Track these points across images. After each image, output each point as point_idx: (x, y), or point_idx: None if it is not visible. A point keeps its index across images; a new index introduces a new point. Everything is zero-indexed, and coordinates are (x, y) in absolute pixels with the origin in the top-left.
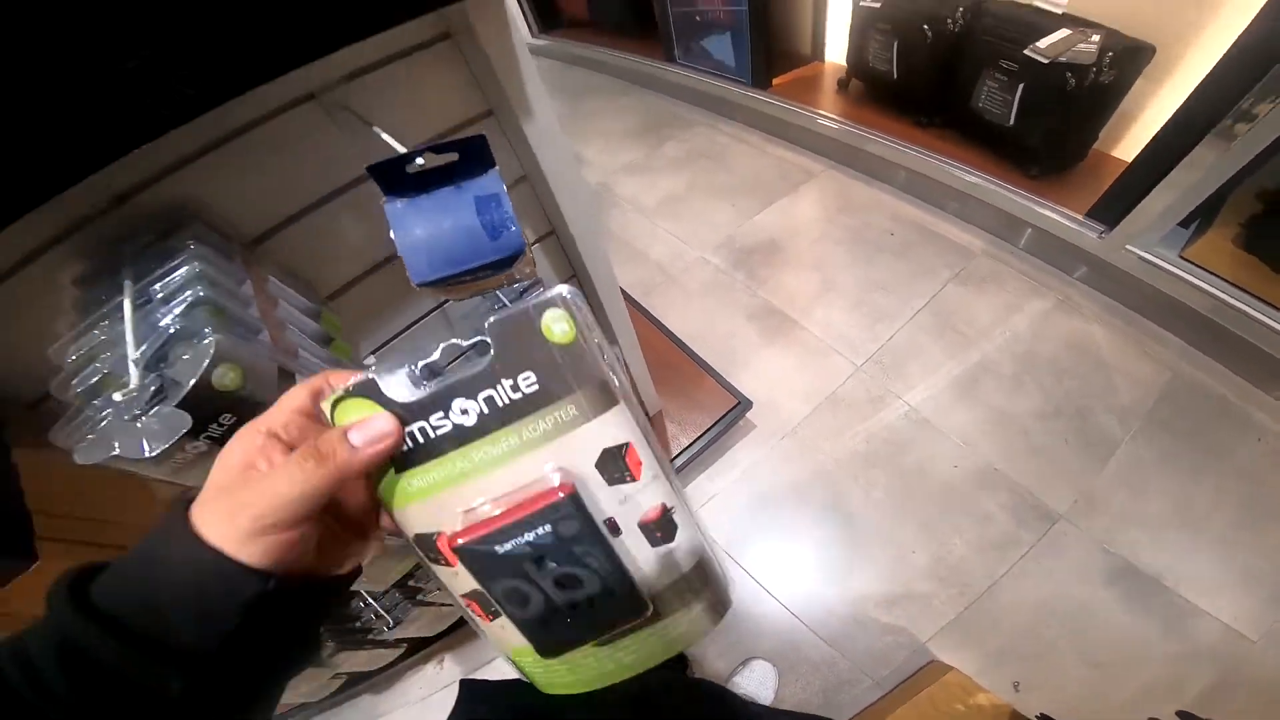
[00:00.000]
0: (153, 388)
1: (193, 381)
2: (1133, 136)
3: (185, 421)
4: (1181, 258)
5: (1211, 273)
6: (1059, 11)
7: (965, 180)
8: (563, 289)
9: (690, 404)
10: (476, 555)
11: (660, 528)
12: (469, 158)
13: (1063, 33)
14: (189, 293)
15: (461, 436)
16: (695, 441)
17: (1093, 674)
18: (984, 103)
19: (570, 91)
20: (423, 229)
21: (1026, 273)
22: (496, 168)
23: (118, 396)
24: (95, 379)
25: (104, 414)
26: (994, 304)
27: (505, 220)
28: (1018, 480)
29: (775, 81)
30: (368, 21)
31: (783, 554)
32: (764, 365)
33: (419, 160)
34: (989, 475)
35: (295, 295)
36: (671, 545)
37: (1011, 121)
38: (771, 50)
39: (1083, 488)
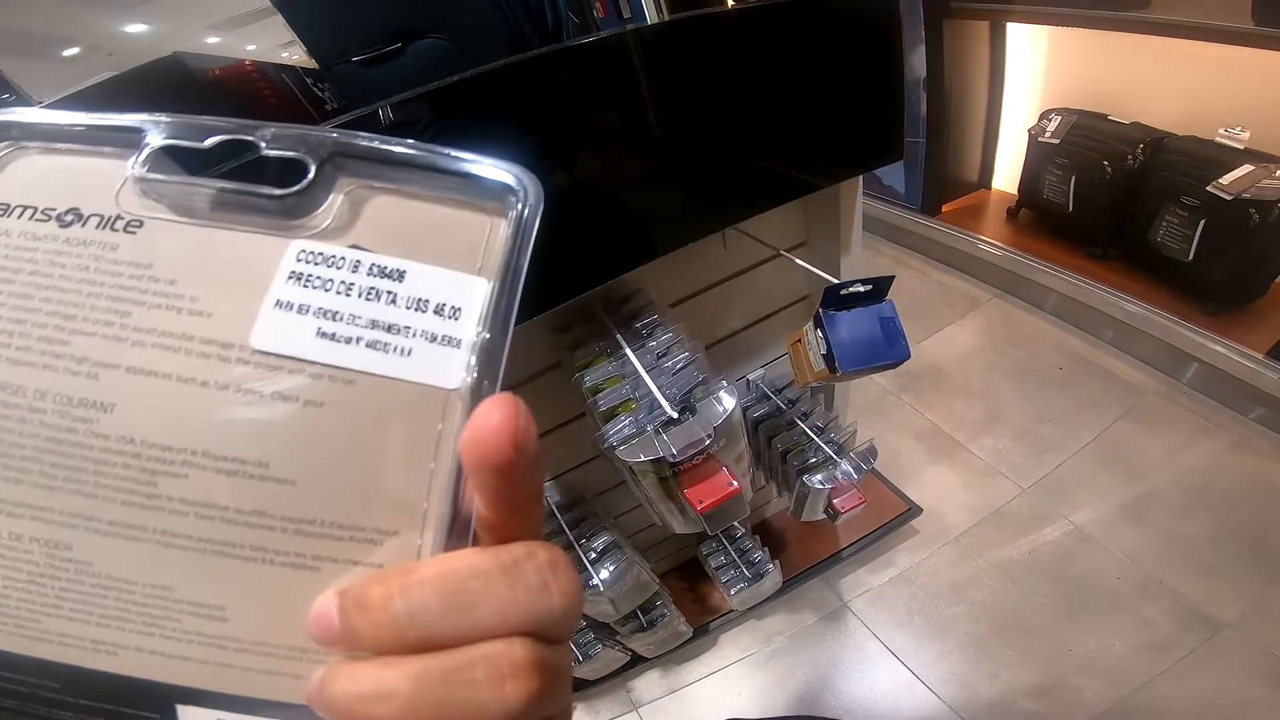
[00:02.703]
0: (676, 413)
1: (724, 417)
2: None
3: (706, 431)
4: None
5: None
6: (1240, 147)
7: (1139, 316)
8: None
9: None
10: None
11: None
12: (877, 290)
13: (1245, 168)
14: (684, 353)
15: None
16: (862, 539)
17: None
18: (1163, 237)
19: None
20: (846, 333)
21: (1199, 411)
22: (891, 300)
23: (640, 416)
24: (617, 403)
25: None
26: (1165, 441)
27: (898, 335)
28: (1183, 592)
29: (945, 208)
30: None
31: (936, 644)
32: (928, 480)
33: (858, 287)
34: (1152, 587)
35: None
36: None
37: (1191, 257)
38: (943, 179)
39: (1253, 600)
